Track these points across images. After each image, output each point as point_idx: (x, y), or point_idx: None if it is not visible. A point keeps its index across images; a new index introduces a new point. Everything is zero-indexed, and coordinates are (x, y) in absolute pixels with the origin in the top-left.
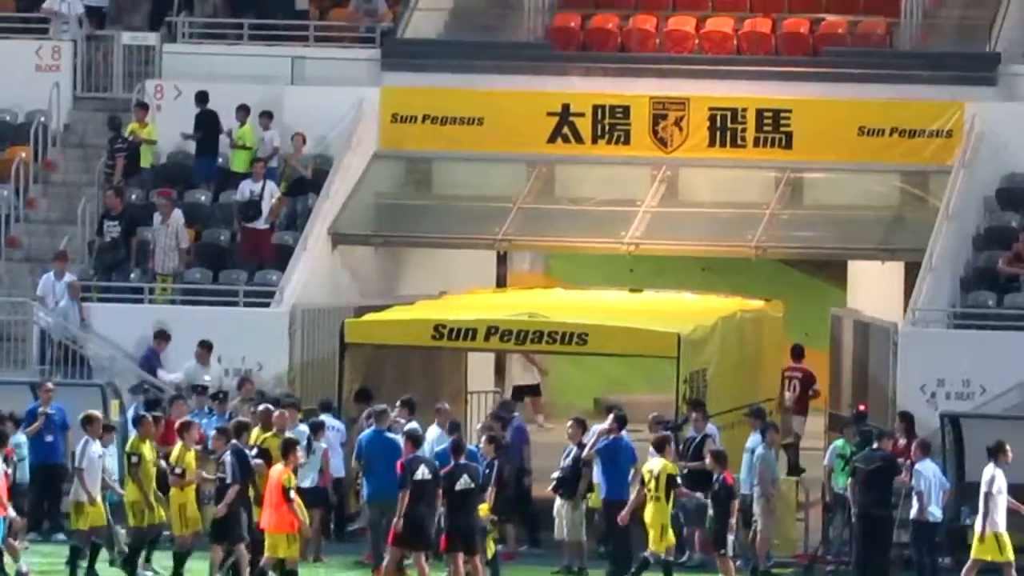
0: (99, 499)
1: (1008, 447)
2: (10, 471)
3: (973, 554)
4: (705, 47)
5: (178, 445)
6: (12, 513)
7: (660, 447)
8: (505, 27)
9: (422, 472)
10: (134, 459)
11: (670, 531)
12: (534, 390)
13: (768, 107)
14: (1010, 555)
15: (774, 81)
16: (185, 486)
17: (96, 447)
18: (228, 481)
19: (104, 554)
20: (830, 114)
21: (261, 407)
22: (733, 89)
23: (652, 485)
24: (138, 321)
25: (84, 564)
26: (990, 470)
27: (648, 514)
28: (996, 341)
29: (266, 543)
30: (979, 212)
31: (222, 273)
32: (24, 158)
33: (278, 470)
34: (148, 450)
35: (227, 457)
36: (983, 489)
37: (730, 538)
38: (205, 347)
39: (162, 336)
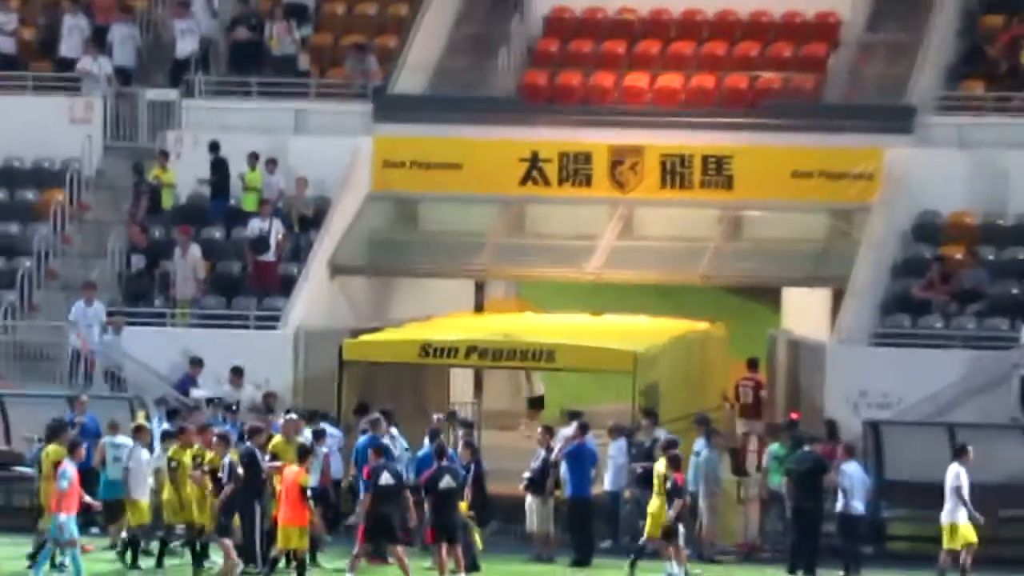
0: (144, 499)
1: (970, 448)
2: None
3: (946, 544)
4: (657, 101)
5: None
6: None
7: (665, 449)
8: (481, 83)
9: (385, 478)
10: (173, 464)
11: (662, 519)
12: (540, 402)
13: (712, 153)
14: (973, 539)
15: (717, 131)
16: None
17: (144, 453)
18: (225, 480)
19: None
20: (766, 159)
21: (289, 416)
22: (681, 138)
23: (657, 483)
24: (160, 342)
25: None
26: (954, 468)
27: (653, 506)
28: (911, 358)
29: (279, 535)
30: (896, 245)
31: (234, 300)
32: (60, 200)
33: (294, 471)
34: (187, 457)
35: (225, 460)
36: (951, 485)
37: (681, 530)
38: (237, 373)
39: (197, 363)
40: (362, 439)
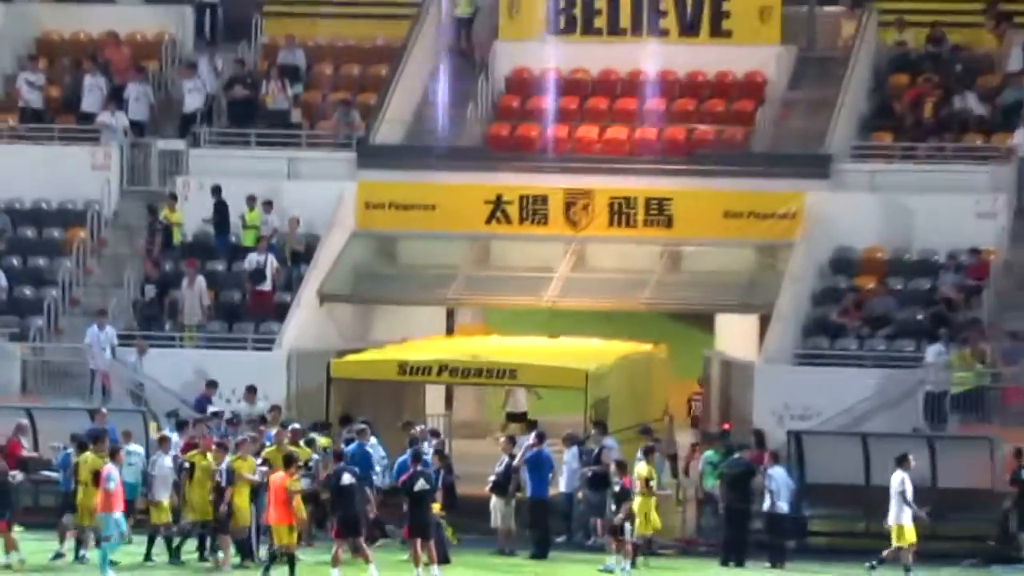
0: (166, 500)
1: (911, 456)
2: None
3: (895, 541)
4: (605, 150)
5: (231, 457)
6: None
7: (647, 455)
8: (452, 135)
9: (347, 478)
10: (186, 466)
11: (654, 516)
12: (523, 417)
13: (654, 196)
14: (912, 539)
15: (658, 176)
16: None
17: (167, 460)
18: (224, 484)
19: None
20: (701, 201)
21: (293, 426)
22: (627, 183)
23: (639, 484)
24: (170, 362)
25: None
26: (899, 475)
27: (636, 505)
28: (828, 376)
29: (272, 533)
30: (815, 276)
31: (235, 325)
32: (82, 237)
33: (280, 476)
34: (203, 461)
35: (223, 466)
36: (896, 490)
37: (627, 526)
38: (251, 391)
39: (211, 385)
40: (351, 445)
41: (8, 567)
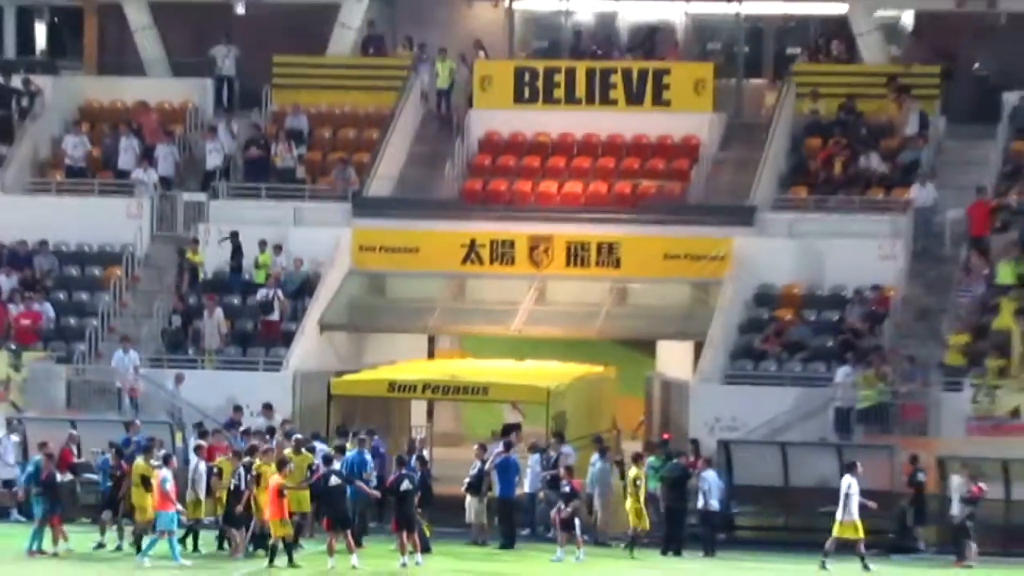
0: (202, 497)
1: (859, 463)
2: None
3: (835, 533)
4: (563, 202)
5: (258, 462)
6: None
7: (636, 460)
8: (432, 189)
9: (334, 480)
10: (216, 470)
11: (644, 515)
12: (518, 428)
13: (604, 241)
14: (862, 534)
15: (608, 224)
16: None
17: (203, 466)
18: (242, 487)
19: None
20: (644, 245)
21: (298, 437)
22: (581, 229)
23: (631, 487)
24: (193, 381)
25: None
26: (848, 479)
27: (628, 504)
28: (753, 393)
29: (271, 527)
30: (742, 309)
31: (248, 349)
32: (118, 275)
33: (275, 478)
34: (228, 465)
35: (240, 470)
36: (843, 491)
37: (577, 522)
38: (267, 407)
39: (238, 409)
40: (350, 453)
41: (55, 555)
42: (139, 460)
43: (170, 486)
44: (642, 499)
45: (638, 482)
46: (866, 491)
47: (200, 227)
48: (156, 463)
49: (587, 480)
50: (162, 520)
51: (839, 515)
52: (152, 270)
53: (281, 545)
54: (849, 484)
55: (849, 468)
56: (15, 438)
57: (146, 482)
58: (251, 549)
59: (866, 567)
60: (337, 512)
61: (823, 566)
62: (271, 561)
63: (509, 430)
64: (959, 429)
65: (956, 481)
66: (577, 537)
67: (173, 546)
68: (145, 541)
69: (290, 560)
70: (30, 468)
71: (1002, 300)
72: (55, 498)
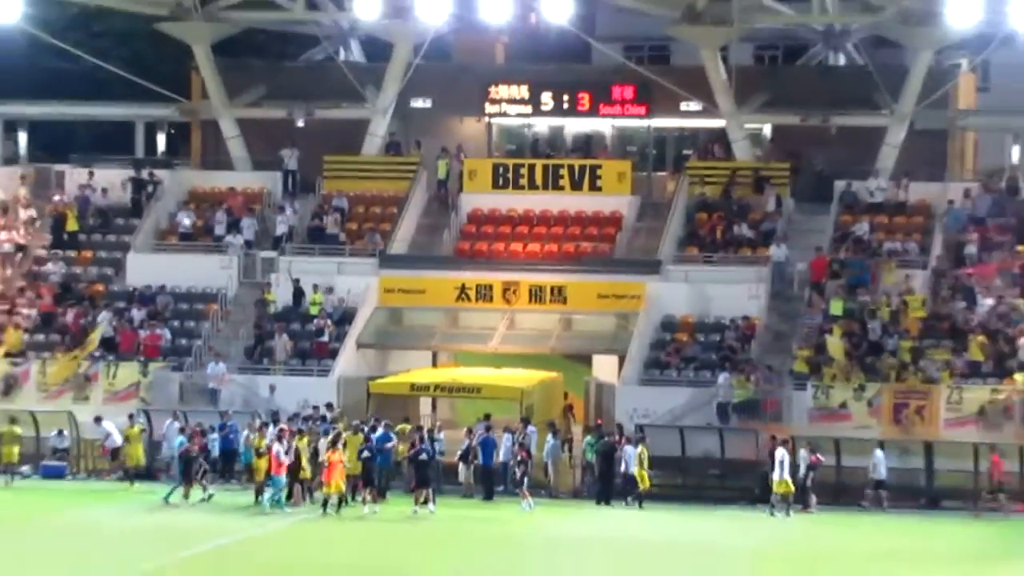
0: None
1: (788, 441)
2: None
3: (774, 490)
4: (527, 258)
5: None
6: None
7: (639, 442)
8: (435, 248)
9: (366, 453)
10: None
11: (647, 478)
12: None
13: (555, 285)
14: (792, 489)
15: (558, 273)
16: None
17: (281, 446)
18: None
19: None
20: (584, 288)
21: (354, 423)
22: (540, 277)
23: (638, 460)
24: (267, 385)
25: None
26: (780, 451)
27: (636, 471)
28: (659, 392)
29: (326, 487)
30: (652, 333)
31: (306, 361)
32: (215, 309)
33: (332, 452)
34: (301, 442)
35: (293, 444)
36: (777, 460)
37: (525, 480)
38: (329, 406)
39: (329, 407)
40: (378, 433)
41: (194, 505)
42: (256, 437)
43: (283, 457)
44: (645, 467)
45: (642, 456)
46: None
47: (272, 276)
48: (269, 440)
49: (544, 453)
50: (275, 480)
51: (776, 476)
52: (238, 306)
53: (334, 499)
54: (783, 455)
55: (783, 443)
56: (177, 424)
57: (260, 453)
58: (308, 502)
59: (788, 514)
60: (368, 475)
61: (771, 513)
62: (324, 510)
63: (488, 417)
64: (804, 417)
65: (803, 453)
66: (525, 491)
67: (275, 500)
68: (266, 494)
69: (337, 509)
70: (176, 445)
71: (833, 326)
72: (188, 468)
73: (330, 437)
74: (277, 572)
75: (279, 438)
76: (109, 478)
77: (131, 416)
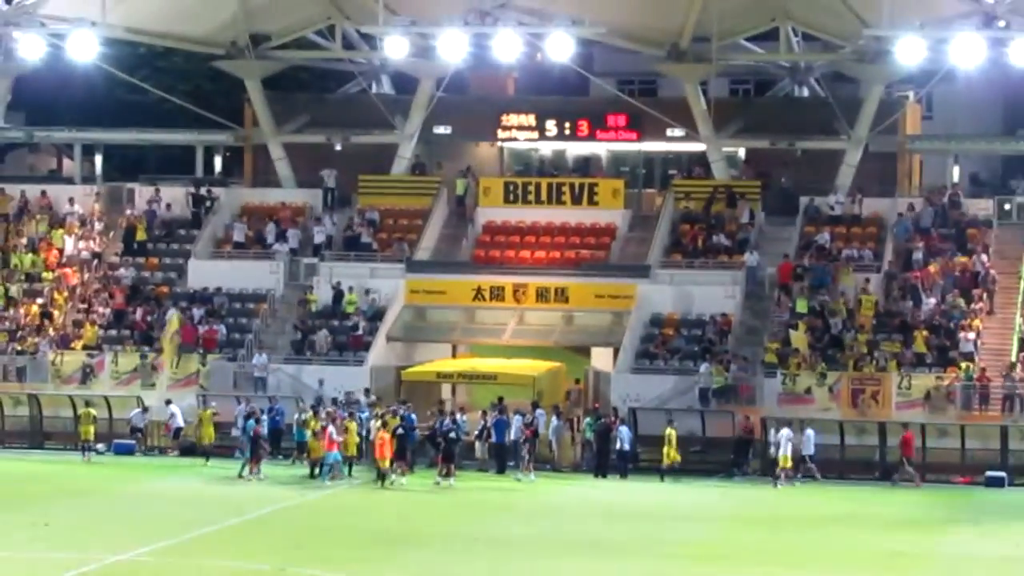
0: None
1: (790, 426)
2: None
3: (780, 464)
4: (534, 263)
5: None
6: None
7: (669, 423)
8: (455, 255)
9: (401, 429)
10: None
11: (674, 452)
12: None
13: (559, 287)
14: (790, 464)
15: (561, 277)
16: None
17: (335, 427)
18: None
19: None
20: (585, 289)
21: (392, 407)
22: (545, 280)
23: (667, 438)
24: (310, 373)
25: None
26: (784, 431)
27: (664, 450)
28: (649, 379)
29: (375, 462)
30: (643, 328)
31: (343, 352)
32: (264, 308)
33: (380, 431)
34: (351, 424)
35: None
36: (783, 439)
37: (526, 456)
38: (366, 391)
39: (367, 392)
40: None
41: (248, 480)
42: (312, 418)
43: (336, 436)
44: (676, 446)
45: (670, 436)
46: (718, 439)
47: (313, 279)
48: (324, 421)
49: (549, 431)
50: (329, 456)
51: (781, 453)
52: (284, 305)
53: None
54: (786, 435)
55: (788, 424)
56: (246, 410)
57: (315, 434)
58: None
59: (794, 484)
60: (401, 450)
61: (775, 486)
62: (382, 482)
63: (501, 401)
64: (774, 401)
65: (785, 432)
66: (530, 464)
67: (324, 473)
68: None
69: (382, 481)
70: (243, 427)
71: (798, 322)
72: (256, 446)
73: (379, 419)
74: (318, 534)
75: (332, 420)
76: (171, 454)
77: (203, 400)
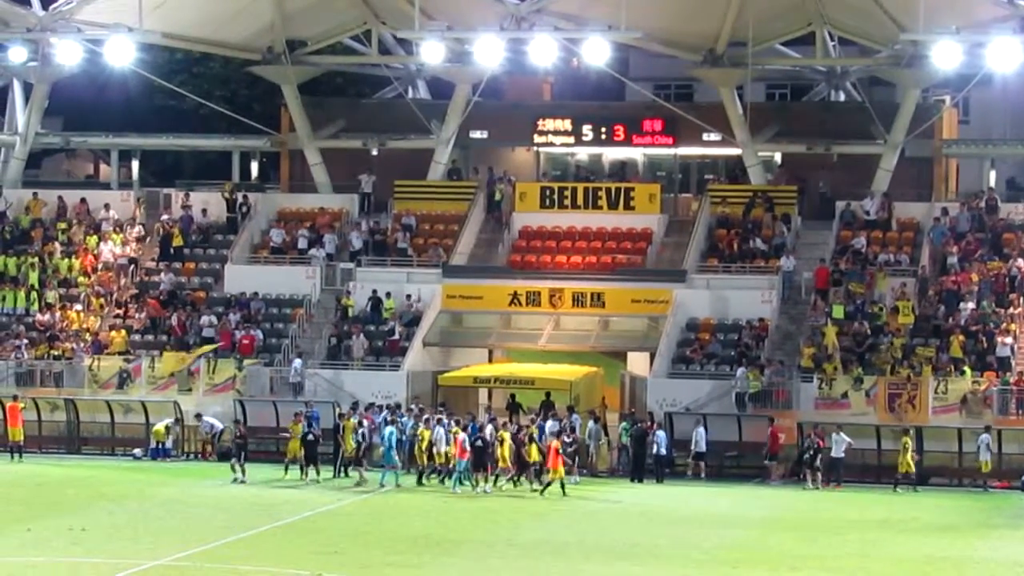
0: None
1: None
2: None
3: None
4: (570, 268)
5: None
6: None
7: (697, 423)
8: (491, 260)
9: (436, 436)
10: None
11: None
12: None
13: (595, 291)
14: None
15: (598, 281)
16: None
17: (466, 434)
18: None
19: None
20: (620, 294)
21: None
22: (582, 285)
23: (694, 441)
24: (346, 378)
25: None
26: (835, 436)
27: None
28: (685, 384)
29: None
30: (678, 333)
31: (380, 358)
32: (301, 313)
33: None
34: (350, 427)
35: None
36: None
37: (574, 460)
38: (415, 400)
39: (372, 407)
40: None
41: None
42: (349, 420)
43: (386, 442)
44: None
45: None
46: (755, 443)
47: (350, 284)
48: (435, 431)
49: (586, 435)
50: (459, 464)
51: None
52: (321, 310)
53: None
54: (843, 441)
55: (839, 428)
56: (387, 416)
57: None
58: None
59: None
60: (480, 458)
61: (804, 488)
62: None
63: (548, 396)
64: (810, 406)
65: (835, 436)
66: (572, 466)
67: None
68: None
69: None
70: (383, 436)
71: (828, 321)
72: (309, 450)
73: (500, 430)
74: (355, 539)
75: (464, 428)
76: (211, 459)
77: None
